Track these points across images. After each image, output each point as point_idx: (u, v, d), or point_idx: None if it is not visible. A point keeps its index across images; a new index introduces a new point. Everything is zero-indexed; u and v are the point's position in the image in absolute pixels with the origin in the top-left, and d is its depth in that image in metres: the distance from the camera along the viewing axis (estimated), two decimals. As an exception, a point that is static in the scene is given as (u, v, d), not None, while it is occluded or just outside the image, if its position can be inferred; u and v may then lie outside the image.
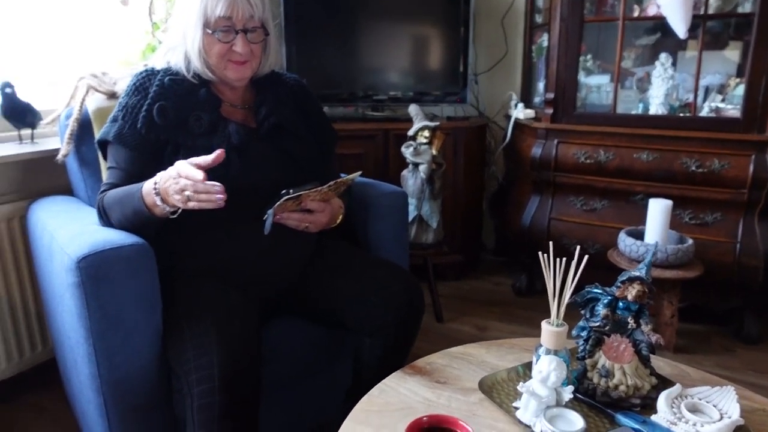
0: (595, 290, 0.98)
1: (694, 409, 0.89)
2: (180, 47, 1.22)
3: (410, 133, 2.11)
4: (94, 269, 1.04)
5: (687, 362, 1.13)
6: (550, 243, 0.96)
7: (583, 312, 0.99)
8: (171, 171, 1.05)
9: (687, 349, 1.96)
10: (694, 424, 0.85)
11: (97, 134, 1.36)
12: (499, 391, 0.99)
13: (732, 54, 2.08)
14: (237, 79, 1.24)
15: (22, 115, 1.56)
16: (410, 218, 2.08)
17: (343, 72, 2.51)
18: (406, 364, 1.09)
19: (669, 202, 1.82)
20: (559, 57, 2.13)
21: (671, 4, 1.79)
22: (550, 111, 2.18)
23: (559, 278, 0.92)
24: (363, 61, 2.52)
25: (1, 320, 1.57)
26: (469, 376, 1.03)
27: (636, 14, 2.11)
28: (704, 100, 2.06)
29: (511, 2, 2.64)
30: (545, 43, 2.34)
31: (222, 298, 1.15)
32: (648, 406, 0.92)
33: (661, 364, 1.06)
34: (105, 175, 1.26)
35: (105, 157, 1.26)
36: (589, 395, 0.95)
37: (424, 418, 0.81)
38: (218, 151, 1.04)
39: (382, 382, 1.02)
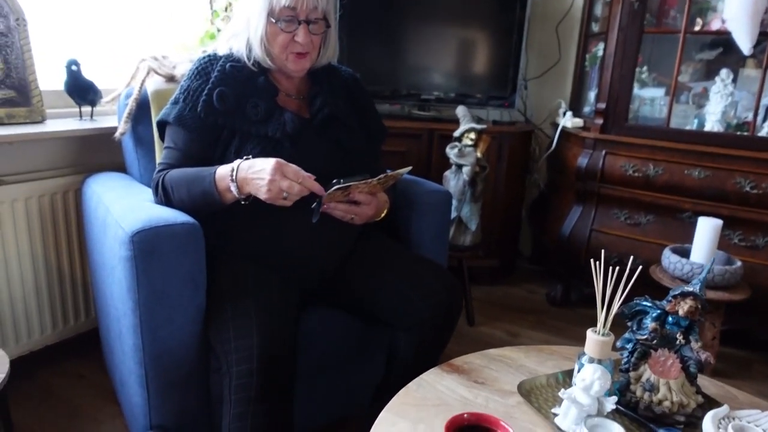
0: (645, 303, 0.96)
1: (741, 432, 0.86)
2: (243, 34, 1.25)
3: (456, 134, 2.10)
4: (146, 244, 1.07)
5: (729, 386, 1.10)
6: (602, 251, 0.95)
7: (630, 324, 0.97)
8: (262, 164, 1.09)
9: (726, 374, 1.90)
10: (741, 447, 0.83)
11: (155, 115, 1.40)
12: (538, 395, 0.98)
13: (796, 74, 2.00)
14: (296, 70, 1.26)
15: (85, 93, 1.62)
16: (450, 219, 2.07)
17: (389, 69, 2.51)
18: (439, 364, 1.08)
19: (719, 222, 1.77)
20: (614, 67, 2.09)
21: (739, 19, 1.73)
22: (600, 121, 2.15)
23: (609, 288, 0.90)
24: (410, 60, 2.52)
25: (50, 288, 1.63)
26: (508, 378, 1.02)
27: (698, 28, 2.06)
28: (764, 120, 2.00)
29: (568, 9, 2.61)
30: (600, 53, 2.30)
31: (265, 283, 1.17)
32: (692, 424, 0.90)
33: (706, 383, 1.03)
34: (161, 155, 1.30)
35: (162, 137, 1.30)
36: (630, 408, 0.93)
37: (465, 415, 0.80)
38: (311, 176, 1.11)
39: (419, 377, 1.02)
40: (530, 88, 2.72)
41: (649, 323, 0.93)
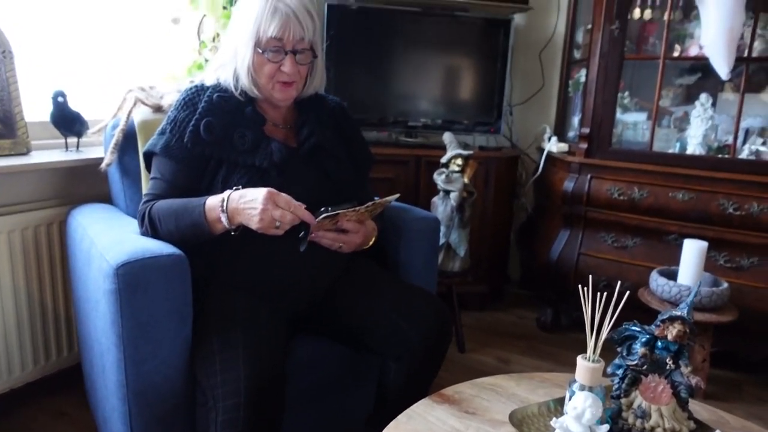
0: (633, 328, 0.96)
1: (734, 458, 0.86)
2: (230, 64, 1.25)
3: (443, 160, 2.12)
4: (131, 277, 1.05)
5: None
6: (590, 276, 0.95)
7: (619, 349, 0.97)
8: (254, 194, 1.09)
9: (717, 396, 1.89)
10: (735, 474, 0.82)
11: (142, 145, 1.40)
12: (530, 425, 0.97)
13: (772, 97, 2.06)
14: (282, 99, 1.27)
15: (71, 124, 1.61)
16: (438, 245, 2.07)
17: (376, 96, 2.54)
18: (430, 393, 1.07)
19: (704, 244, 1.78)
20: (597, 92, 2.13)
21: (715, 45, 1.78)
22: (584, 146, 2.17)
23: (598, 314, 0.90)
24: (396, 87, 2.55)
25: (32, 323, 1.60)
26: (499, 407, 1.01)
27: (677, 54, 2.11)
28: (744, 142, 2.04)
29: (550, 36, 2.66)
30: (582, 78, 2.34)
31: (253, 314, 1.16)
32: (685, 451, 0.89)
33: (698, 408, 1.03)
34: (147, 186, 1.29)
35: (148, 168, 1.29)
36: (623, 436, 0.92)
37: (456, 448, 0.79)
38: (302, 205, 1.12)
39: (409, 408, 1.00)
40: (515, 113, 2.76)
41: (639, 348, 0.93)
